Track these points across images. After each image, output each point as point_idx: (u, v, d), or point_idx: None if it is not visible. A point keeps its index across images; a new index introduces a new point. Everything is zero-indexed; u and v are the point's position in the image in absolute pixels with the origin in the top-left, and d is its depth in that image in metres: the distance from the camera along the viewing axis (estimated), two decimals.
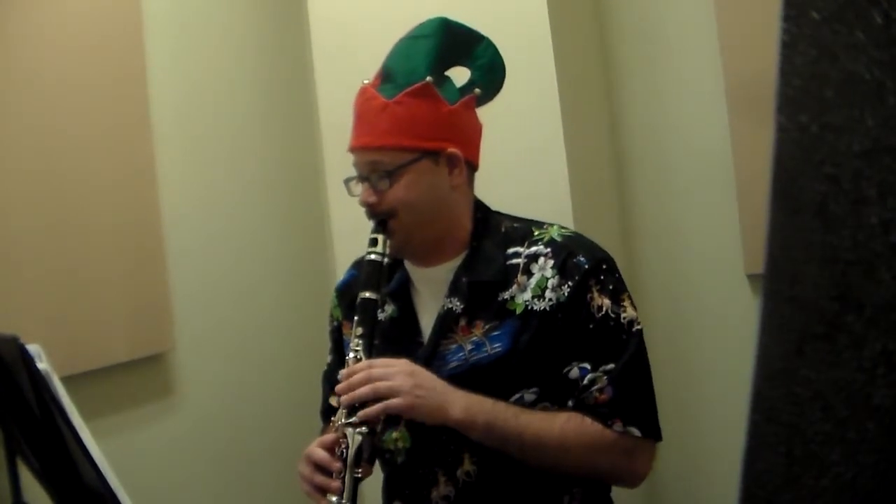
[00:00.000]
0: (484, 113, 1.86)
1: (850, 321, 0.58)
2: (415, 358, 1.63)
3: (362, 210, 2.82)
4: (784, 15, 0.61)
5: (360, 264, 1.86)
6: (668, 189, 2.65)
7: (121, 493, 1.35)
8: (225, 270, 2.50)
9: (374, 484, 1.69)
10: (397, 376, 1.54)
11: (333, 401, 1.85)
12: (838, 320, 0.59)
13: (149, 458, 2.18)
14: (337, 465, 1.54)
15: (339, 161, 2.73)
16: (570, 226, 2.43)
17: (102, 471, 1.32)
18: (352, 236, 2.71)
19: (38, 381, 1.32)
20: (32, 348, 1.34)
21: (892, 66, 0.57)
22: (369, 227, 2.70)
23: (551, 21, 2.56)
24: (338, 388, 1.59)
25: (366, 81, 1.70)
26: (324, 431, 1.89)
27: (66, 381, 1.41)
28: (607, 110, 2.84)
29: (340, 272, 2.72)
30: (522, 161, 2.55)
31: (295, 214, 2.80)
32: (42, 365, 1.35)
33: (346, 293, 1.87)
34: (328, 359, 1.93)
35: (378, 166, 1.65)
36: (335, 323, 1.90)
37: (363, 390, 1.54)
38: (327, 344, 1.93)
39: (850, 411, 0.59)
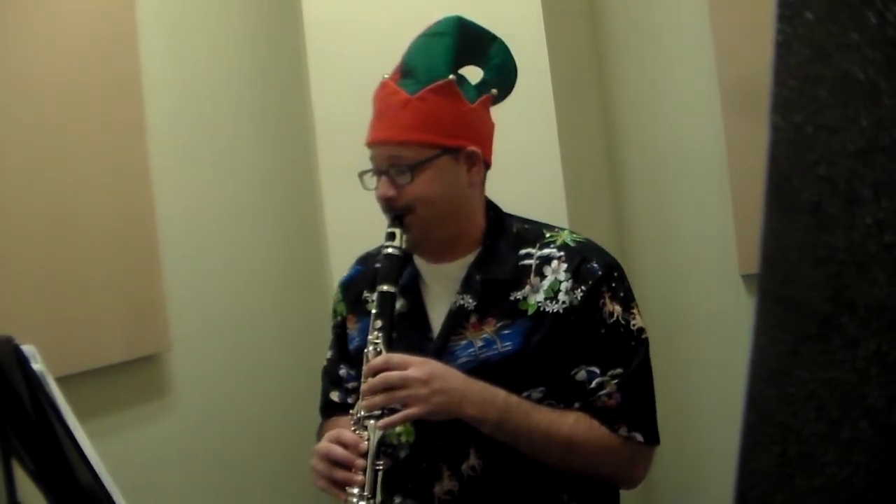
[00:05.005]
0: None
1: (843, 321, 0.58)
2: (424, 353, 1.65)
3: (357, 210, 2.82)
4: (778, 15, 0.61)
5: (365, 260, 1.91)
6: (663, 190, 2.65)
7: (116, 493, 1.34)
8: (220, 271, 2.50)
9: None
10: (414, 384, 1.55)
11: (334, 396, 1.88)
12: (832, 321, 0.59)
13: (144, 459, 2.17)
14: (360, 461, 1.55)
15: (333, 162, 2.74)
16: (565, 227, 2.44)
17: (98, 472, 1.32)
18: (346, 237, 2.72)
19: (33, 382, 1.31)
20: (27, 349, 1.34)
21: (887, 66, 0.57)
22: (363, 228, 2.70)
23: (545, 21, 2.56)
24: (363, 389, 1.60)
25: (385, 76, 1.72)
26: (322, 427, 1.89)
27: (62, 381, 1.41)
28: (601, 111, 2.84)
29: (335, 272, 2.72)
30: (517, 162, 2.55)
31: (290, 215, 2.80)
32: (37, 365, 1.34)
33: (351, 288, 1.90)
34: (328, 354, 1.93)
35: (398, 161, 1.67)
36: (338, 318, 1.91)
37: (380, 400, 1.56)
38: (328, 339, 1.94)
39: (843, 411, 0.59)
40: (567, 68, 2.66)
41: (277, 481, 2.61)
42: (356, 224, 2.67)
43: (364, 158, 2.57)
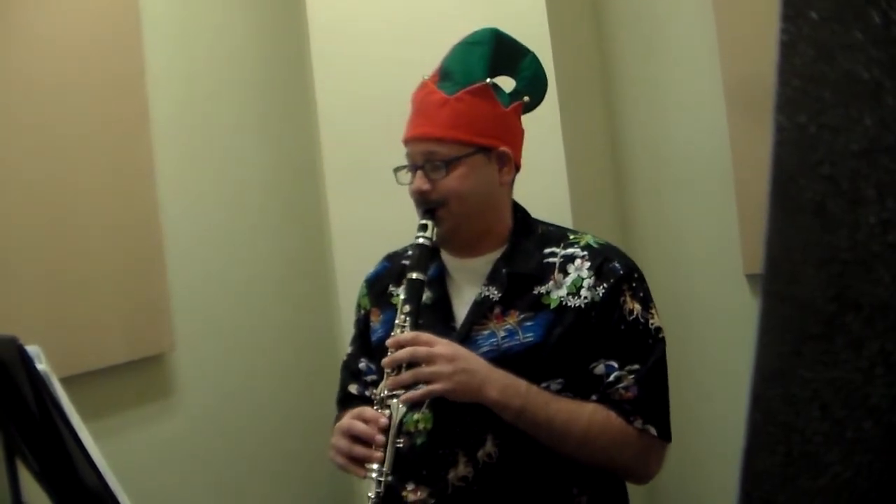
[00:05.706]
0: None
1: (848, 321, 0.58)
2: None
3: (361, 210, 2.82)
4: (783, 15, 0.61)
5: (392, 257, 1.98)
6: (667, 190, 2.64)
7: (120, 494, 1.34)
8: (224, 271, 2.50)
9: None
10: (439, 360, 1.62)
11: (353, 388, 1.95)
12: (836, 320, 0.59)
13: (148, 459, 2.18)
14: (380, 437, 1.61)
15: (337, 162, 2.74)
16: (569, 226, 2.44)
17: (102, 472, 1.32)
18: (350, 237, 2.72)
19: (38, 382, 1.32)
20: (31, 349, 1.34)
21: (891, 66, 0.57)
22: (367, 228, 2.70)
23: (549, 20, 2.56)
24: (384, 361, 1.66)
25: (425, 77, 1.81)
26: (338, 418, 1.91)
27: (66, 381, 1.41)
28: (605, 112, 2.84)
29: (339, 272, 2.73)
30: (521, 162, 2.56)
31: (294, 215, 2.80)
32: (41, 366, 1.34)
33: (376, 283, 1.96)
34: (349, 349, 2.00)
35: (434, 156, 1.74)
36: (362, 312, 1.97)
37: (406, 376, 1.62)
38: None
39: (847, 411, 0.59)
40: (571, 69, 2.66)
41: (281, 481, 2.61)
42: (360, 224, 2.67)
43: (368, 158, 2.58)
